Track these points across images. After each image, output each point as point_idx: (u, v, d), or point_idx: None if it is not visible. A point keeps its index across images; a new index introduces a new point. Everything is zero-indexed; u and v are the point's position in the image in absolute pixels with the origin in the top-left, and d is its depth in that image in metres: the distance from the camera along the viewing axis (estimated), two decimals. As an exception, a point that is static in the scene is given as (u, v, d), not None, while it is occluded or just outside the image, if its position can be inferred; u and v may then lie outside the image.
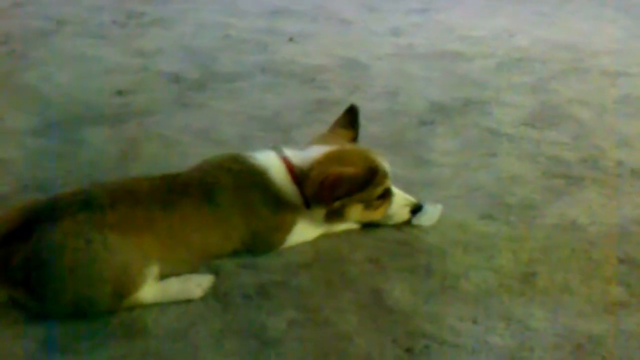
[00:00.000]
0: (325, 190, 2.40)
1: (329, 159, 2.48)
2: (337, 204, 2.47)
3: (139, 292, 2.19)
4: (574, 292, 2.28)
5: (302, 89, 4.20)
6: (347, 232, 2.61)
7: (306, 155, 2.53)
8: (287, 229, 2.52)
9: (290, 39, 5.30)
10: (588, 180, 3.03)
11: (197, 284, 2.28)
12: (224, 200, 2.42)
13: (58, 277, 2.11)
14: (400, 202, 2.65)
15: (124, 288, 2.16)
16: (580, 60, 4.79)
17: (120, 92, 4.09)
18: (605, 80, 4.33)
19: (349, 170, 2.42)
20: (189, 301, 2.22)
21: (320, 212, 2.52)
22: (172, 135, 3.48)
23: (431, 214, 2.69)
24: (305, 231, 2.57)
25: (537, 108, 3.87)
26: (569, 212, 2.77)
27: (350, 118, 2.75)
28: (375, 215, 2.62)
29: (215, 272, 2.36)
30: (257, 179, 2.48)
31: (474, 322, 2.14)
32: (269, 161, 2.53)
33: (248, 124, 3.64)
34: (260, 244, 2.50)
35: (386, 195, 2.59)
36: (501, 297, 2.25)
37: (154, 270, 2.23)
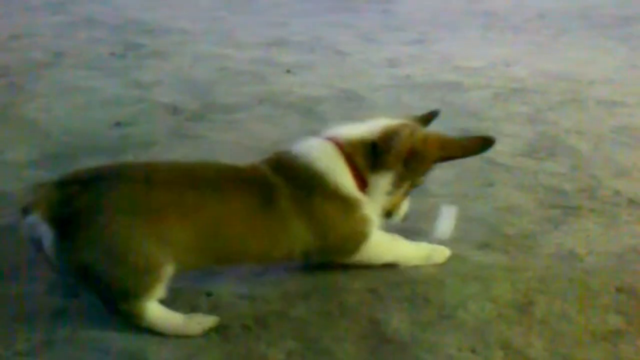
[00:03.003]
0: (427, 149, 2.39)
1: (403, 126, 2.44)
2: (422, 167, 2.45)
3: (147, 299, 2.19)
4: (571, 321, 2.28)
5: (300, 120, 4.22)
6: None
7: (368, 127, 2.45)
8: (362, 234, 2.44)
9: (288, 71, 5.33)
10: (585, 210, 3.04)
11: (198, 322, 2.26)
12: (282, 205, 2.33)
13: (88, 239, 2.11)
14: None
15: (138, 285, 2.16)
16: (578, 91, 4.82)
17: (118, 124, 4.11)
18: (603, 111, 4.35)
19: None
20: (187, 332, 2.23)
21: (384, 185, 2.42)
22: (171, 167, 3.48)
23: (447, 225, 2.70)
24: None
25: (535, 138, 3.88)
26: (567, 242, 2.77)
27: (429, 118, 2.69)
28: (398, 201, 2.55)
29: (214, 303, 2.37)
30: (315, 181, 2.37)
31: (473, 351, 2.14)
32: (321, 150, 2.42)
33: (246, 155, 3.62)
34: (333, 251, 2.45)
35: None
36: (499, 327, 2.25)
37: (169, 270, 2.18)
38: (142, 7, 7.74)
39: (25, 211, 2.16)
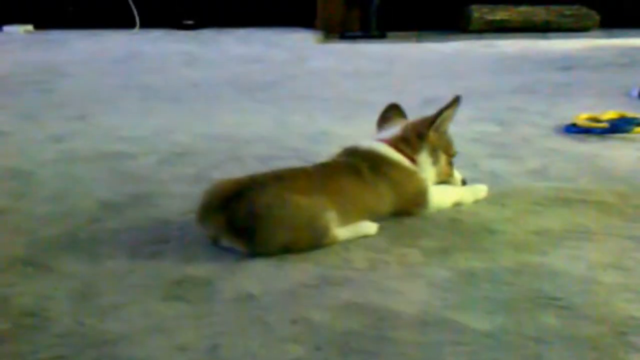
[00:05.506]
0: (426, 130, 3.55)
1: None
2: (435, 137, 3.58)
3: (332, 232, 3.18)
4: (255, 356, 2.46)
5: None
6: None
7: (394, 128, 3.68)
8: (425, 190, 3.53)
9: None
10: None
11: (369, 226, 3.34)
12: (368, 177, 3.39)
13: (270, 227, 3.07)
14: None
15: (318, 231, 3.13)
16: (237, 149, 5.11)
17: None
18: (260, 165, 4.62)
19: None
20: None
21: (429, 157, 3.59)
22: None
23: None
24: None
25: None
26: (243, 285, 2.97)
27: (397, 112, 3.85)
28: (449, 171, 3.71)
29: None
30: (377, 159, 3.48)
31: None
32: (377, 145, 3.57)
33: None
34: (410, 205, 3.53)
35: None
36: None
37: (334, 216, 3.18)
38: None
39: (216, 241, 3.23)
